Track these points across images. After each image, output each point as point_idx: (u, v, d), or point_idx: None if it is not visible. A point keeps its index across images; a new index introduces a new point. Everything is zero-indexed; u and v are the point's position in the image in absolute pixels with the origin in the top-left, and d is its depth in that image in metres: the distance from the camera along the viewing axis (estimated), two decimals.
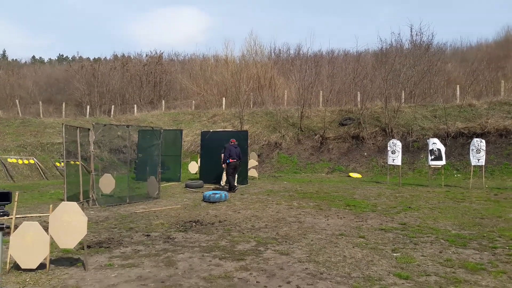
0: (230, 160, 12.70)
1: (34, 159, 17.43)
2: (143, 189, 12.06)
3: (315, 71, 24.65)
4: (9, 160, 16.53)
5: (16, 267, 4.92)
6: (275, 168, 19.56)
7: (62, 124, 10.34)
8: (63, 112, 32.60)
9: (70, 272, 4.88)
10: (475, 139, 13.30)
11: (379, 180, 15.44)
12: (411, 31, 27.06)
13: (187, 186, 13.68)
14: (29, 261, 4.85)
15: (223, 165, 13.01)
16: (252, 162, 15.74)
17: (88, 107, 32.43)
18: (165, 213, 8.89)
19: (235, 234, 6.81)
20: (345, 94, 25.98)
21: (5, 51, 69.44)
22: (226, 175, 13.13)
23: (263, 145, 21.57)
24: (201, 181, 13.96)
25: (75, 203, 5.02)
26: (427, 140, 14.48)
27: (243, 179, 14.30)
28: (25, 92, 39.42)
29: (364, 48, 56.95)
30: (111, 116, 29.99)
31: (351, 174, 17.04)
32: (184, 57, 49.61)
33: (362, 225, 7.52)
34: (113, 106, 31.42)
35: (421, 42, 26.07)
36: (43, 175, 17.06)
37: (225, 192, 10.75)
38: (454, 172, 15.84)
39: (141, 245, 6.14)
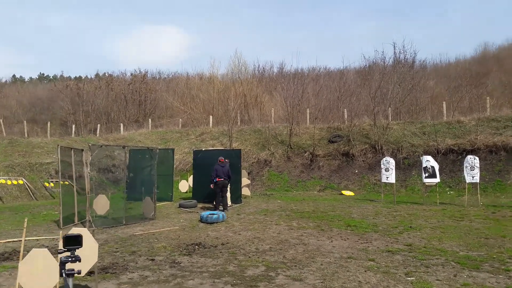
0: (217, 179, 12.54)
1: (23, 179, 16.91)
2: (136, 210, 11.78)
3: (301, 89, 24.85)
4: None
5: None
6: (265, 186, 19.43)
7: (58, 145, 10.08)
8: (48, 132, 31.97)
9: None
10: (468, 156, 13.48)
11: (372, 198, 15.46)
12: (394, 49, 27.69)
13: (180, 206, 13.43)
14: None
15: (211, 185, 12.82)
16: (245, 180, 15.59)
17: (73, 126, 31.86)
18: (165, 235, 8.65)
19: (241, 257, 6.64)
20: (332, 111, 26.26)
21: None
22: (215, 194, 12.93)
23: (252, 162, 21.46)
24: (195, 200, 13.73)
25: (85, 228, 4.81)
26: (421, 158, 14.63)
27: (237, 198, 14.13)
28: (9, 111, 38.57)
29: (345, 65, 58.00)
30: (97, 135, 29.51)
31: (344, 192, 17.04)
32: (168, 76, 49.64)
33: (368, 247, 7.44)
34: (99, 125, 30.93)
35: (405, 59, 26.62)
36: (32, 196, 16.55)
37: (223, 213, 10.58)
38: (447, 189, 16.00)
39: (147, 270, 5.92)
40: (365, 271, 5.84)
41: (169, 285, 5.20)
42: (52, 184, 18.56)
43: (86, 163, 12.37)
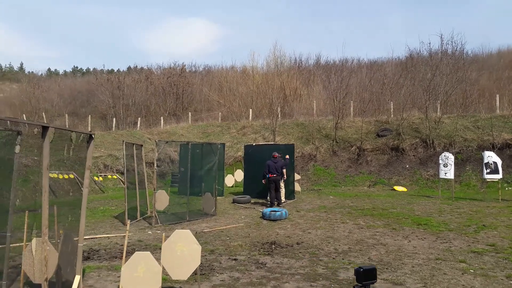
0: (270, 175, 12.45)
1: (74, 173, 17.35)
2: (194, 205, 11.82)
3: (346, 81, 24.35)
4: (50, 175, 16.46)
5: None
6: (312, 181, 19.22)
7: (123, 141, 10.20)
8: (89, 125, 32.79)
9: None
10: None
11: (428, 194, 15.00)
12: (442, 40, 26.62)
13: (234, 201, 13.44)
14: None
15: (263, 180, 12.76)
16: (296, 175, 15.44)
17: (114, 119, 32.50)
18: (234, 233, 8.62)
19: (325, 259, 6.51)
20: (376, 104, 25.60)
21: (22, 63, 70.48)
22: (268, 190, 12.86)
23: (296, 157, 21.23)
24: (248, 196, 13.69)
25: (188, 231, 4.78)
26: (482, 153, 14.06)
27: (290, 194, 14.00)
28: (50, 104, 39.74)
29: (383, 56, 56.53)
30: (138, 129, 30.01)
31: (396, 188, 16.61)
32: (205, 68, 49.82)
33: (450, 247, 7.16)
34: (139, 119, 31.42)
35: (454, 51, 25.61)
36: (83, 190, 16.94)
37: (285, 210, 10.46)
38: (505, 185, 15.32)
39: (235, 271, 5.88)
40: (462, 273, 5.59)
41: None
42: (101, 178, 18.98)
43: (143, 157, 12.55)
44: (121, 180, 19.67)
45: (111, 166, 19.65)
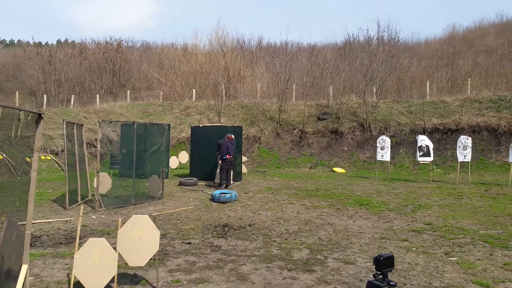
0: (227, 156, 12.50)
1: (3, 154, 16.04)
2: (139, 188, 11.47)
3: (290, 64, 24.66)
4: None
5: None
6: (256, 163, 19.44)
7: (63, 120, 9.53)
8: (17, 102, 30.38)
9: None
10: (462, 136, 13.98)
11: (365, 175, 15.81)
12: (379, 27, 27.79)
13: (181, 183, 13.25)
14: (95, 282, 4.42)
15: (220, 161, 12.77)
16: (243, 157, 15.52)
17: (45, 96, 30.34)
18: (184, 216, 8.52)
19: (277, 240, 6.65)
20: (317, 88, 26.26)
21: None
22: (220, 170, 12.88)
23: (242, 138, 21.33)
24: (196, 178, 13.56)
25: (146, 216, 4.62)
26: (416, 137, 15.02)
27: (237, 176, 14.08)
28: None
29: (320, 41, 57.90)
30: (71, 106, 28.32)
31: (335, 169, 17.32)
32: (142, 44, 47.82)
33: (392, 226, 7.64)
34: (73, 96, 29.61)
35: (390, 38, 26.85)
36: (14, 172, 15.77)
37: (235, 192, 10.50)
38: (434, 167, 16.55)
39: (190, 255, 5.83)
40: (406, 251, 6.00)
41: (224, 271, 5.15)
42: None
43: (83, 138, 11.89)
44: (56, 162, 18.57)
45: (44, 147, 18.44)
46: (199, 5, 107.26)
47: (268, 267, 5.31)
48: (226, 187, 12.27)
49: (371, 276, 2.30)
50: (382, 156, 14.82)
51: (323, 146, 19.64)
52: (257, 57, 36.30)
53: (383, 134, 18.83)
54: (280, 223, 7.81)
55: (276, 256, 5.76)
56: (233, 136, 12.98)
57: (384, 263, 2.30)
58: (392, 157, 18.02)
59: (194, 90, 27.82)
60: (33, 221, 7.90)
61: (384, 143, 14.77)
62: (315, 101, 23.09)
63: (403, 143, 18.42)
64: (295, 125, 21.00)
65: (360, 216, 8.54)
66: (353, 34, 53.57)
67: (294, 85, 25.27)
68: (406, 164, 17.42)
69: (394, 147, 18.49)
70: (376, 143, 15.40)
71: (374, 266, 2.35)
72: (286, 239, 6.70)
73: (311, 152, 19.45)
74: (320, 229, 7.39)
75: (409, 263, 5.48)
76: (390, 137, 18.90)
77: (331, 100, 22.83)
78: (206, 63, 30.45)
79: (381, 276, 2.32)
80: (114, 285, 4.54)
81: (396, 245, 6.36)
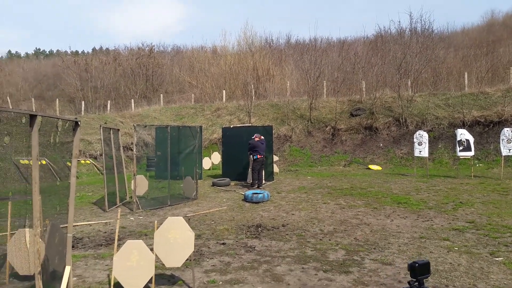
0: (258, 156, 12.48)
1: (46, 159, 16.71)
2: (174, 189, 11.65)
3: (320, 60, 24.38)
4: (21, 161, 15.80)
5: None
6: (288, 162, 19.33)
7: (100, 125, 9.83)
8: (57, 109, 31.61)
9: None
10: (505, 129, 13.31)
11: (403, 172, 15.37)
12: (411, 18, 26.99)
13: (214, 184, 13.35)
14: (134, 283, 4.49)
15: (252, 162, 12.77)
16: (274, 157, 15.46)
17: (82, 102, 31.44)
18: (218, 216, 8.56)
19: (312, 240, 6.55)
20: (349, 83, 25.82)
21: None
22: (252, 170, 12.88)
23: (273, 138, 21.28)
24: (228, 179, 13.62)
25: (181, 218, 4.66)
26: (455, 131, 14.46)
27: (269, 175, 14.04)
28: (14, 88, 37.97)
29: (351, 35, 56.95)
30: (108, 112, 29.17)
31: (371, 167, 16.94)
32: (172, 49, 48.69)
33: (432, 225, 7.36)
34: (109, 102, 30.51)
35: (423, 29, 26.04)
36: (56, 176, 16.39)
37: (267, 192, 10.46)
38: (476, 162, 15.88)
39: (225, 255, 5.84)
40: (448, 251, 5.76)
41: (259, 272, 5.11)
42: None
43: (120, 142, 12.21)
44: (95, 166, 19.17)
45: (83, 151, 19.08)
46: (226, 7, 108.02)
47: (303, 268, 5.24)
48: (258, 187, 12.26)
49: (407, 283, 2.16)
50: (420, 151, 14.36)
51: (357, 143, 19.26)
52: (285, 55, 36.15)
53: (420, 128, 18.26)
54: (314, 223, 7.70)
55: (311, 257, 5.67)
56: (262, 137, 12.93)
57: (419, 270, 2.19)
58: (430, 153, 17.43)
59: (224, 91, 28.03)
60: (74, 224, 8.17)
61: (422, 138, 14.31)
62: (347, 97, 22.70)
63: (442, 138, 17.79)
64: (327, 122, 20.73)
65: (398, 215, 8.29)
66: (384, 27, 52.47)
67: (324, 81, 24.97)
68: (445, 160, 16.81)
69: (432, 142, 17.88)
70: (413, 138, 14.95)
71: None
72: (321, 239, 6.59)
73: (345, 149, 19.12)
74: (356, 229, 7.23)
75: (451, 263, 5.25)
76: (428, 131, 18.33)
77: (364, 95, 22.39)
78: (235, 64, 30.60)
79: (416, 284, 2.19)
80: (152, 286, 4.60)
81: (436, 244, 6.12)
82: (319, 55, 25.54)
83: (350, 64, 27.46)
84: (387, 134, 19.04)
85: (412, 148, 15.31)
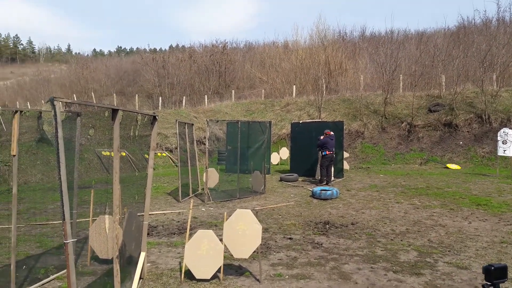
0: (327, 152, 12.33)
1: (125, 151, 17.98)
2: (241, 183, 11.92)
3: (396, 54, 23.37)
4: (103, 153, 17.18)
5: (189, 276, 4.81)
6: (359, 159, 18.84)
7: (176, 120, 10.37)
8: (137, 104, 33.70)
9: (244, 284, 4.69)
10: None
11: (484, 172, 14.29)
12: (498, 7, 24.83)
13: (282, 179, 13.44)
14: (204, 271, 4.72)
15: (321, 158, 12.66)
16: (344, 153, 15.17)
17: (160, 98, 33.19)
18: (285, 211, 8.64)
19: (382, 240, 6.37)
20: (427, 77, 24.46)
21: (69, 45, 73.00)
22: (321, 167, 12.76)
23: (344, 134, 20.87)
24: (296, 174, 13.63)
25: (249, 210, 4.80)
26: None
27: (339, 172, 13.82)
28: (98, 84, 41.14)
29: (430, 27, 53.71)
30: (183, 107, 30.49)
31: (449, 166, 15.95)
32: (245, 45, 49.54)
33: None
34: (184, 97, 31.89)
35: None
36: (134, 167, 17.58)
37: (336, 189, 10.33)
38: None
39: (292, 250, 5.89)
40: None
41: (326, 269, 5.10)
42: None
43: (194, 136, 12.77)
44: (170, 158, 20.22)
45: (160, 144, 20.19)
46: (299, 2, 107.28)
47: (372, 267, 5.13)
48: (326, 184, 12.13)
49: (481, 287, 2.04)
50: (504, 151, 13.24)
51: (435, 141, 18.22)
52: (359, 48, 35.11)
53: (505, 126, 16.81)
54: (385, 223, 7.47)
55: (380, 257, 5.52)
56: (332, 132, 12.74)
57: (495, 273, 2.04)
58: None
59: (294, 86, 27.97)
60: (150, 213, 8.72)
61: (507, 136, 13.18)
62: (425, 92, 21.52)
63: None
64: (403, 118, 19.85)
65: (476, 217, 7.76)
66: (468, 17, 48.82)
67: (401, 75, 23.90)
68: None
69: None
70: (497, 136, 13.81)
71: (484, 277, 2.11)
72: (392, 239, 6.38)
73: (421, 147, 18.19)
74: (430, 230, 6.90)
75: None
76: None
77: (444, 90, 21.08)
78: (307, 59, 30.36)
79: (490, 286, 2.06)
80: (221, 275, 4.79)
81: None
82: (396, 47, 24.45)
83: (429, 57, 25.95)
84: (467, 131, 17.78)
85: (495, 146, 14.14)
